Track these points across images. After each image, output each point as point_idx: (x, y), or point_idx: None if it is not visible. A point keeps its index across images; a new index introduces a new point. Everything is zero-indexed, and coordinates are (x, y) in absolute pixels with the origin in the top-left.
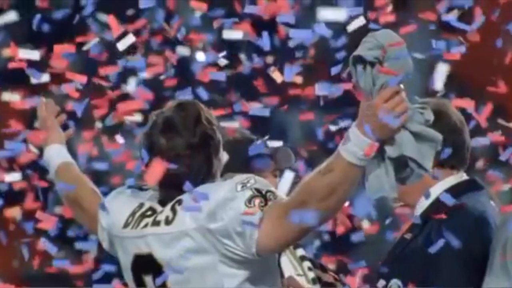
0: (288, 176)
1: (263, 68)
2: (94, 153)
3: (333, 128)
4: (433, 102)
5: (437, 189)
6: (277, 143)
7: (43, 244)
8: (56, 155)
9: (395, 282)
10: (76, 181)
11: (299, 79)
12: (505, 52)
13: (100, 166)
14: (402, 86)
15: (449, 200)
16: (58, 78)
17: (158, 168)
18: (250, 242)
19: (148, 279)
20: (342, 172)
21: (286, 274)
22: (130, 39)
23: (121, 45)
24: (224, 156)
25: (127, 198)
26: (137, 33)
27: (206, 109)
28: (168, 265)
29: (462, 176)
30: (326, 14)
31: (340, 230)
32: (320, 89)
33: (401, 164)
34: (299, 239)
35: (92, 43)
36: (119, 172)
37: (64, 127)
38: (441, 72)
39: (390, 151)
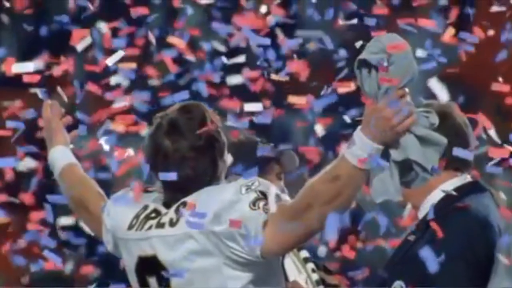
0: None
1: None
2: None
3: (320, 131)
4: (438, 104)
5: (441, 191)
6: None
7: (47, 255)
8: (60, 157)
9: (398, 284)
10: (81, 183)
11: (303, 100)
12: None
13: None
14: (407, 89)
15: (431, 215)
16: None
17: (137, 190)
18: (255, 245)
19: (152, 280)
20: (347, 175)
21: (290, 276)
22: (119, 54)
23: (110, 61)
24: (228, 158)
25: (131, 200)
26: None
27: (211, 110)
28: (172, 267)
29: (466, 178)
30: (303, 34)
31: (346, 251)
32: (315, 104)
33: (406, 168)
34: (303, 242)
35: (85, 42)
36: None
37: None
38: (435, 87)
39: (395, 154)
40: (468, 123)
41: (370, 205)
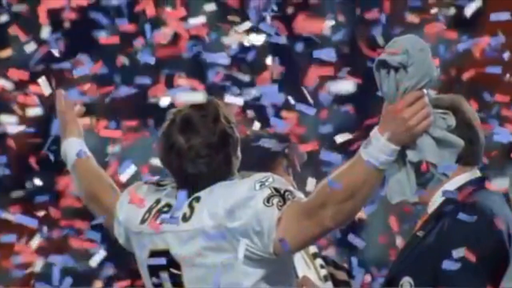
0: None
1: None
2: None
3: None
4: (447, 98)
5: (451, 186)
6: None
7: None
8: (73, 149)
9: (406, 280)
10: (94, 176)
11: (302, 130)
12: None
13: None
14: (425, 91)
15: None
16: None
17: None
18: (268, 241)
19: (164, 275)
20: (363, 175)
21: (299, 271)
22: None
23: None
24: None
25: (144, 194)
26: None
27: (224, 106)
28: (184, 262)
29: (476, 173)
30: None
31: None
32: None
33: (422, 169)
34: (316, 240)
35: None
36: None
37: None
38: None
39: (411, 155)
40: (477, 116)
41: None
